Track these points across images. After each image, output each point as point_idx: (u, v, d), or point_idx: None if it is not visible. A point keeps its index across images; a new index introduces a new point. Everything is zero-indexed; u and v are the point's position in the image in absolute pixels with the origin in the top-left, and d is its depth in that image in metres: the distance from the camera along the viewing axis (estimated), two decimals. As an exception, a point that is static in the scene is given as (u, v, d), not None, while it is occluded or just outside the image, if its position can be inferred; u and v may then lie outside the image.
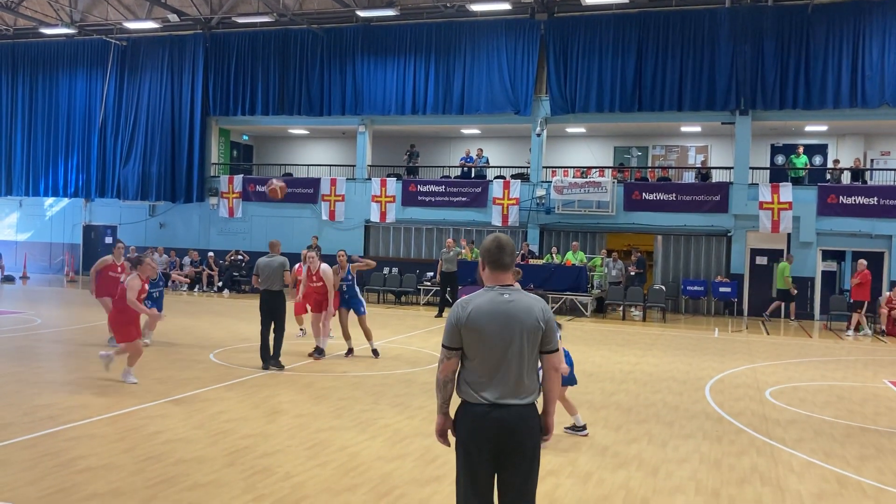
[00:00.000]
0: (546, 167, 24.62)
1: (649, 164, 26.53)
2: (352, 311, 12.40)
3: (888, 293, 19.33)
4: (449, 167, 27.17)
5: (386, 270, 24.22)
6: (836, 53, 21.58)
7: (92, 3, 28.80)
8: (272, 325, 11.09)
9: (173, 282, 21.25)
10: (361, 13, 24.58)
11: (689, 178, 25.17)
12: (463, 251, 21.81)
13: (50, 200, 30.51)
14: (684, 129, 25.53)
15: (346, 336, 12.34)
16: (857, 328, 18.70)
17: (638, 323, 20.00)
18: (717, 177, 24.05)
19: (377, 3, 24.80)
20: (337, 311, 12.42)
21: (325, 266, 12.26)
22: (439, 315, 19.48)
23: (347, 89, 26.04)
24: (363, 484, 6.08)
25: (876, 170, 23.93)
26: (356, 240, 25.83)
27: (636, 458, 7.09)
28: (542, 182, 24.11)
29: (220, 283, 25.08)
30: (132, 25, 27.43)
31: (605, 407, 9.32)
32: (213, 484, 5.95)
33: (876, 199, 21.41)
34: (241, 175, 27.96)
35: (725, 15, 22.23)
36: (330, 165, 28.28)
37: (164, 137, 27.96)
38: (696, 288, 22.47)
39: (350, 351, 12.42)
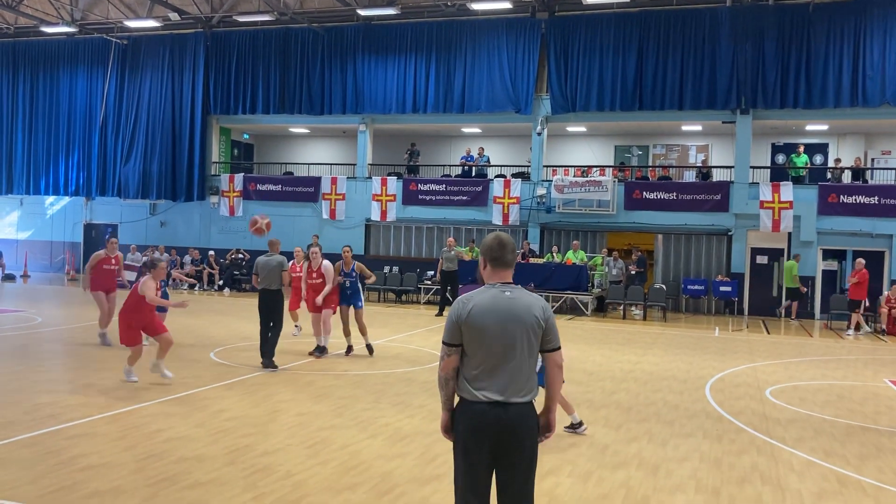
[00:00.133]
0: (547, 166, 24.63)
1: (650, 163, 26.53)
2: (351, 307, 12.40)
3: (887, 292, 19.31)
4: (449, 166, 27.17)
5: (386, 269, 24.24)
6: (836, 52, 21.57)
7: (93, 1, 28.80)
8: (274, 324, 11.08)
9: (174, 280, 21.25)
10: (362, 12, 24.58)
11: (690, 177, 25.17)
12: (463, 251, 21.79)
13: (51, 199, 30.52)
14: (685, 128, 25.53)
15: (347, 333, 12.34)
16: (857, 327, 18.71)
17: (638, 322, 20.00)
18: (717, 176, 24.05)
19: (378, 1, 24.81)
20: (338, 309, 12.42)
21: (326, 262, 12.27)
22: (440, 314, 19.49)
23: (348, 88, 26.04)
24: (364, 482, 6.09)
25: (876, 169, 23.93)
26: (357, 238, 25.83)
27: (636, 457, 7.10)
28: (543, 181, 24.12)
29: (221, 282, 25.10)
30: (133, 24, 27.44)
31: (606, 406, 9.32)
32: (214, 482, 5.96)
33: (876, 198, 21.41)
34: (242, 174, 27.99)
35: (726, 14, 22.22)
36: (331, 164, 28.30)
37: (164, 136, 27.97)
38: (696, 287, 22.47)
39: (350, 349, 12.42)
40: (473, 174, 25.80)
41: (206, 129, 28.06)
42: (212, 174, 28.22)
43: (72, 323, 15.61)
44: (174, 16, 26.49)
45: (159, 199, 28.24)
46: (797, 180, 22.53)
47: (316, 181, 26.67)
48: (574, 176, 23.78)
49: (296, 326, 14.60)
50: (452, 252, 20.30)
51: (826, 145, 25.14)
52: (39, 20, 27.92)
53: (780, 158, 25.14)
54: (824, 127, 24.22)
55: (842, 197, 21.67)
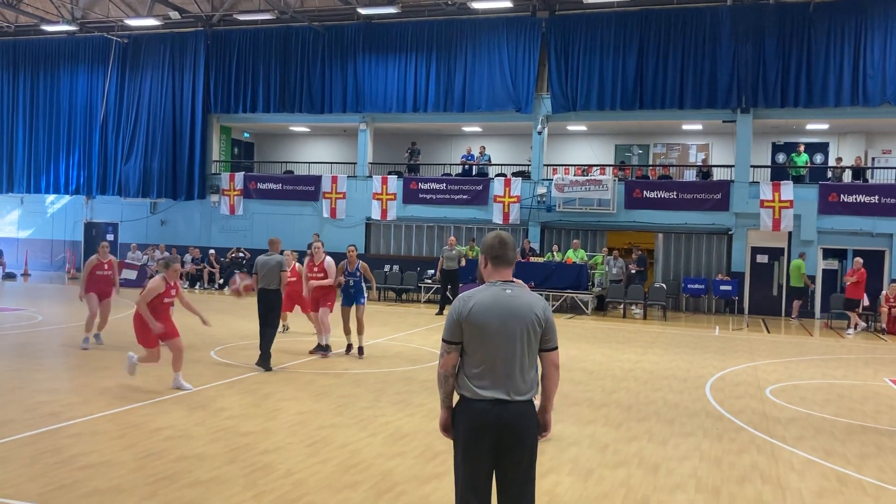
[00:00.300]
0: (547, 165, 24.62)
1: (650, 162, 26.52)
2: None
3: (885, 291, 19.28)
4: (450, 165, 27.16)
5: (387, 268, 24.23)
6: (837, 51, 21.56)
7: (93, 0, 28.79)
8: (268, 324, 11.02)
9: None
10: (363, 10, 24.57)
11: (690, 176, 25.16)
12: (464, 250, 21.79)
13: (51, 197, 30.52)
14: (685, 127, 25.51)
15: (347, 332, 12.31)
16: (856, 326, 18.70)
17: (639, 321, 20.00)
18: (718, 175, 24.04)
19: (378, 0, 24.78)
20: (335, 308, 12.38)
21: (329, 259, 12.25)
22: (440, 313, 19.48)
23: (348, 87, 26.04)
24: (364, 481, 6.09)
25: (877, 168, 23.92)
26: (357, 237, 25.83)
27: (636, 456, 7.10)
28: (544, 180, 24.11)
29: (222, 281, 25.10)
30: (133, 23, 27.44)
31: (606, 405, 9.32)
32: (214, 481, 5.96)
33: (877, 197, 21.40)
34: (243, 172, 27.99)
35: (727, 13, 22.21)
36: (331, 163, 28.29)
37: (165, 135, 27.97)
38: (696, 286, 22.46)
39: (350, 347, 12.41)
40: (474, 173, 25.79)
41: (206, 128, 28.06)
42: (212, 173, 28.22)
43: (72, 322, 15.59)
44: (175, 14, 26.49)
45: (160, 197, 28.24)
46: (797, 179, 22.52)
47: (316, 180, 26.66)
48: (574, 175, 23.77)
49: (283, 325, 14.55)
50: (454, 251, 20.29)
51: (826, 144, 25.12)
52: (40, 19, 27.92)
53: (781, 157, 25.13)
54: (825, 126, 24.21)
55: (842, 196, 21.66)
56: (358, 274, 12.16)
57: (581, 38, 23.62)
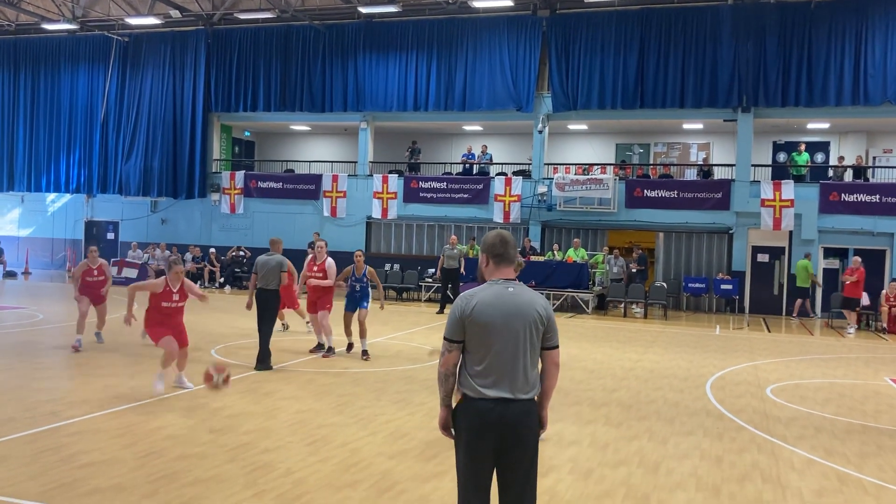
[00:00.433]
0: (548, 164, 24.61)
1: (651, 162, 26.51)
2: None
3: (885, 291, 19.25)
4: (451, 164, 27.16)
5: (387, 267, 24.22)
6: (838, 51, 21.54)
7: (94, -2, 28.82)
8: (265, 324, 10.99)
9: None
10: (363, 9, 24.57)
11: (691, 175, 25.14)
12: (465, 249, 21.79)
13: (52, 196, 30.52)
14: (686, 126, 25.49)
15: (348, 333, 12.31)
16: (858, 324, 18.69)
17: (639, 320, 19.99)
18: (718, 174, 24.03)
19: (379, -1, 24.78)
20: (343, 312, 12.32)
21: (331, 260, 12.22)
22: (440, 311, 19.49)
23: (349, 85, 26.03)
24: (364, 480, 6.09)
25: (878, 167, 23.91)
26: (358, 236, 25.85)
27: (637, 455, 7.09)
28: (544, 179, 24.11)
29: (222, 280, 25.11)
30: (134, 21, 27.45)
31: (606, 404, 9.32)
32: (214, 479, 5.96)
33: (878, 196, 21.39)
34: (243, 171, 28.00)
35: (728, 12, 22.19)
36: (332, 162, 28.29)
37: (165, 133, 27.97)
38: (697, 285, 22.45)
39: (350, 346, 12.40)
40: (474, 172, 25.78)
41: (207, 127, 28.06)
42: (213, 171, 28.22)
43: (72, 320, 15.53)
44: (175, 13, 26.47)
45: (160, 196, 28.24)
46: (798, 179, 22.51)
47: (317, 178, 26.66)
48: (575, 174, 23.76)
49: (282, 324, 14.54)
50: (455, 250, 20.30)
51: (827, 143, 25.11)
52: (41, 17, 27.92)
53: (782, 157, 25.11)
54: (826, 125, 24.19)
55: (843, 195, 21.65)
56: (365, 280, 12.10)
57: (582, 36, 23.60)
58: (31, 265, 28.89)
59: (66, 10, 28.49)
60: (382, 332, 15.02)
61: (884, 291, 19.18)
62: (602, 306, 21.88)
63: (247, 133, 31.44)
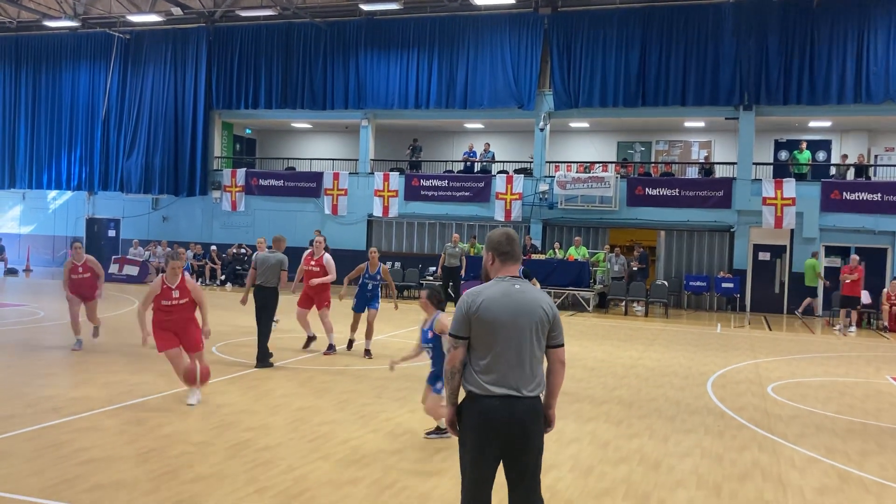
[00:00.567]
0: (549, 162, 24.60)
1: (652, 160, 26.48)
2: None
3: (886, 289, 19.25)
4: (452, 162, 27.15)
5: (388, 265, 24.19)
6: (840, 49, 21.51)
7: (95, -4, 28.82)
8: (262, 321, 10.98)
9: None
10: (365, 7, 24.54)
11: (693, 173, 25.10)
12: (465, 247, 21.79)
13: (53, 193, 30.54)
14: (688, 124, 25.47)
15: (353, 329, 12.31)
16: (859, 323, 18.67)
17: (640, 318, 19.99)
18: (720, 172, 24.01)
19: (380, -4, 24.76)
20: (352, 312, 12.31)
21: (328, 256, 12.21)
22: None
23: (350, 83, 26.02)
24: (365, 477, 6.09)
25: (880, 166, 23.88)
26: (359, 234, 25.85)
27: (638, 453, 7.10)
28: (545, 177, 24.09)
29: (223, 277, 25.12)
30: (135, 18, 27.44)
31: (607, 402, 9.32)
32: (216, 476, 5.96)
33: (879, 195, 21.36)
34: (244, 169, 27.99)
35: (730, 9, 22.16)
36: (333, 159, 28.29)
37: (167, 131, 27.97)
38: (698, 283, 22.45)
39: (350, 343, 12.40)
40: (475, 170, 25.77)
41: (208, 124, 28.06)
42: (214, 169, 28.22)
43: (74, 317, 15.60)
44: (177, 10, 26.48)
45: (161, 193, 28.24)
46: (800, 177, 22.49)
47: (318, 176, 26.66)
48: (576, 172, 23.75)
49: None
50: (457, 248, 20.30)
51: (829, 142, 25.08)
52: (42, 14, 27.92)
53: (783, 155, 25.09)
54: (827, 123, 24.17)
55: (845, 193, 21.63)
56: (378, 277, 12.08)
57: (583, 34, 23.58)
58: (32, 262, 28.90)
59: (67, 7, 28.50)
60: (384, 329, 15.02)
61: (885, 290, 19.17)
62: (603, 304, 21.87)
63: (248, 130, 31.44)
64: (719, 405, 9.40)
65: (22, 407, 7.90)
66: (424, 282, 23.22)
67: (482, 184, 24.67)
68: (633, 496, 5.91)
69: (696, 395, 9.99)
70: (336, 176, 26.30)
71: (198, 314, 8.76)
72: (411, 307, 20.58)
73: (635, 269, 21.89)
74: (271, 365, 10.77)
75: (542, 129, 24.28)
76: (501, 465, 3.95)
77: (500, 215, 24.06)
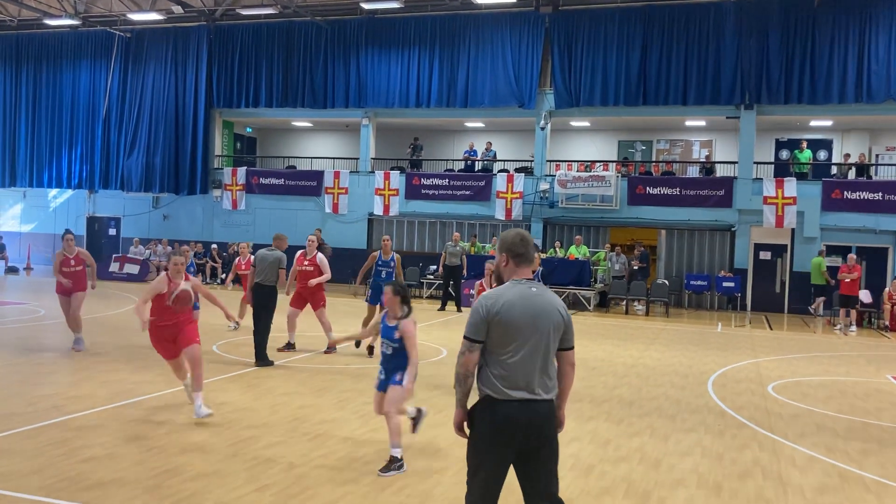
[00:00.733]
0: (550, 161, 24.60)
1: (653, 159, 26.49)
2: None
3: (888, 289, 19.24)
4: (453, 160, 27.15)
5: (389, 264, 24.19)
6: (841, 48, 21.49)
7: (96, -6, 28.82)
8: (261, 320, 10.97)
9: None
10: (366, 5, 24.53)
11: (694, 172, 25.11)
12: (466, 246, 21.79)
13: (54, 192, 30.55)
14: (689, 123, 25.47)
15: (365, 327, 12.28)
16: (860, 322, 18.66)
17: (641, 317, 19.99)
18: (721, 171, 24.00)
19: (381, -5, 24.75)
20: (366, 305, 12.31)
21: (321, 255, 12.20)
22: (442, 308, 19.49)
23: (351, 82, 26.02)
24: (366, 475, 6.09)
25: (881, 165, 23.87)
26: (359, 233, 25.85)
27: (638, 452, 7.10)
28: (546, 176, 24.09)
29: (224, 276, 25.11)
30: (136, 17, 27.44)
31: (608, 400, 9.32)
32: (216, 474, 5.97)
33: (880, 194, 21.36)
34: (245, 167, 28.00)
35: (731, 9, 22.15)
36: (333, 158, 28.29)
37: (167, 129, 27.98)
38: (699, 282, 22.44)
39: (371, 349, 12.33)
40: (476, 169, 25.77)
41: (209, 123, 28.07)
42: (214, 168, 28.23)
43: (75, 315, 15.60)
44: (177, 9, 26.47)
45: (162, 192, 28.26)
46: (801, 176, 22.48)
47: (319, 175, 26.66)
48: (577, 171, 23.75)
49: (234, 322, 14.28)
50: (458, 247, 20.28)
51: (830, 141, 25.08)
52: (43, 13, 27.92)
53: (784, 154, 25.08)
54: (828, 123, 24.16)
55: (846, 193, 21.62)
56: (392, 264, 12.08)
57: (584, 33, 23.57)
58: (32, 261, 28.90)
59: (67, 5, 28.49)
60: (384, 328, 14.99)
61: (886, 289, 19.16)
62: (604, 303, 21.87)
63: (248, 129, 31.45)
64: (720, 404, 9.40)
65: (22, 405, 7.90)
66: (425, 280, 23.25)
67: (483, 183, 24.67)
68: (634, 495, 5.91)
69: (696, 394, 9.99)
70: (337, 175, 26.30)
71: (197, 315, 8.69)
72: (413, 306, 20.59)
73: (636, 268, 21.89)
74: (271, 363, 10.77)
75: (542, 128, 24.27)
76: (515, 472, 3.94)
77: (500, 214, 24.06)
